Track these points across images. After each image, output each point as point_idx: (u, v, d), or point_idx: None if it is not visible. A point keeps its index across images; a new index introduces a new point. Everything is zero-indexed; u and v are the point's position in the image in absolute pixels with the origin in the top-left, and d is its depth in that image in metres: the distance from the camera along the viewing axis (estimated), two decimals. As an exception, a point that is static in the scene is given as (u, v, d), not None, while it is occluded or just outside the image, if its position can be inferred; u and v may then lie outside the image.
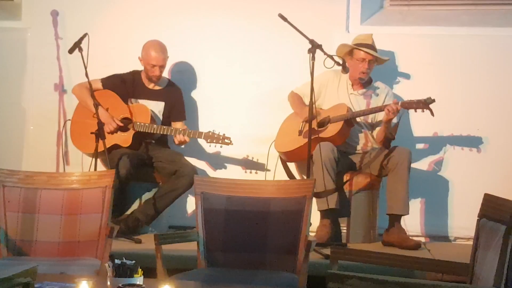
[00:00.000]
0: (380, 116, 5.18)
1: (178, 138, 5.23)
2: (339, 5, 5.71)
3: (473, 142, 5.53)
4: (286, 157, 5.40)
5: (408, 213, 5.13)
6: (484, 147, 5.53)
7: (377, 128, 5.25)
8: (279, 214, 3.80)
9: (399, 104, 4.98)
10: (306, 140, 4.87)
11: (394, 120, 5.11)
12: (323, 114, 5.21)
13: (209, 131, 5.20)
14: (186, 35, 5.78)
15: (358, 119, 5.24)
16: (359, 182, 5.20)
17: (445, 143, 5.58)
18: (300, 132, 5.23)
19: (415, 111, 5.02)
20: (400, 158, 5.05)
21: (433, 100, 4.91)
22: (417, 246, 4.98)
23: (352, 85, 5.32)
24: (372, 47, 5.24)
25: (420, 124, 5.54)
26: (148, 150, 5.42)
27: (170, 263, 3.77)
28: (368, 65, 5.22)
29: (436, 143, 5.59)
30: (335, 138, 5.12)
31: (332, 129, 5.15)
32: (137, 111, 5.41)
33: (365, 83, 5.32)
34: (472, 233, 3.26)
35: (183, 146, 5.45)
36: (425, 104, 4.92)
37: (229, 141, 5.19)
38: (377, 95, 5.31)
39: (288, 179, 5.39)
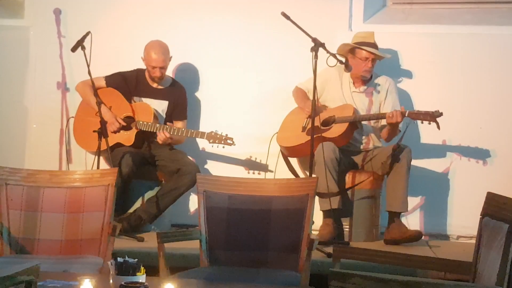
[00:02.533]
0: (384, 120, 5.18)
1: (160, 136, 5.22)
2: (342, 3, 5.70)
3: (479, 152, 5.53)
4: (287, 152, 5.39)
5: (406, 210, 5.15)
6: (485, 144, 5.52)
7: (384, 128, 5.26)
8: (281, 212, 3.80)
9: (406, 113, 4.97)
10: (309, 137, 4.87)
11: (400, 126, 5.10)
12: (328, 113, 5.20)
13: (212, 131, 5.20)
14: (189, 34, 5.78)
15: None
16: (361, 181, 5.20)
17: (451, 151, 5.57)
18: (304, 129, 5.23)
19: (422, 123, 5.02)
20: (400, 156, 5.05)
21: (441, 114, 4.91)
22: (418, 234, 5.00)
23: (354, 83, 5.32)
24: (374, 45, 5.24)
25: (424, 128, 5.51)
26: (150, 148, 5.42)
27: (173, 261, 3.78)
28: (372, 64, 5.22)
29: (442, 152, 5.58)
30: (338, 139, 5.12)
31: (336, 130, 5.14)
32: (139, 110, 5.40)
33: (366, 80, 5.31)
34: (474, 232, 3.26)
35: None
36: (432, 116, 4.92)
37: (231, 142, 5.18)
38: (378, 92, 5.31)
39: (290, 173, 5.40)
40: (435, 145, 5.59)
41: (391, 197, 5.10)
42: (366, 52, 5.20)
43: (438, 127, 4.93)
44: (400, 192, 5.07)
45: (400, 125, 5.10)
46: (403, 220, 5.16)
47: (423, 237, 5.33)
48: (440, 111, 4.92)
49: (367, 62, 5.21)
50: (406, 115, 4.98)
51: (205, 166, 5.74)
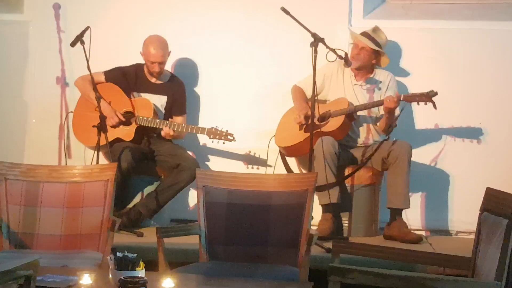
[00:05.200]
0: (382, 109, 5.18)
1: (165, 131, 5.23)
2: (342, -2, 5.71)
3: (473, 133, 5.53)
4: (286, 152, 5.39)
5: (408, 207, 5.13)
6: (485, 139, 5.52)
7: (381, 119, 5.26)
8: (280, 207, 3.80)
9: (402, 97, 4.98)
10: (307, 134, 4.87)
11: (397, 111, 5.11)
12: (323, 108, 5.20)
13: (212, 127, 5.19)
14: (188, 29, 5.77)
15: (360, 112, 5.24)
16: (361, 176, 5.20)
17: (445, 135, 5.57)
18: (301, 127, 5.23)
19: (418, 104, 5.02)
20: (400, 152, 5.05)
21: (436, 93, 4.92)
22: (418, 239, 4.98)
23: (355, 76, 5.33)
24: (368, 35, 5.26)
25: (421, 116, 5.53)
26: (150, 143, 5.42)
27: (172, 256, 3.78)
28: (359, 51, 5.23)
29: (436, 135, 5.59)
30: (336, 132, 5.12)
31: (333, 124, 5.14)
32: (139, 105, 5.40)
33: (367, 72, 5.30)
34: (474, 227, 3.27)
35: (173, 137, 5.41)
36: (427, 97, 4.93)
37: (232, 138, 5.18)
38: (379, 89, 5.31)
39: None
40: (428, 130, 5.59)
41: (392, 193, 5.09)
42: (357, 37, 5.26)
43: (435, 106, 4.93)
44: (401, 189, 5.06)
45: (396, 111, 5.10)
46: (403, 214, 5.15)
47: (424, 233, 5.35)
48: (435, 91, 4.92)
49: (355, 49, 5.24)
50: (401, 98, 4.99)
51: (205, 161, 5.74)
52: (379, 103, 5.11)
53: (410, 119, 5.58)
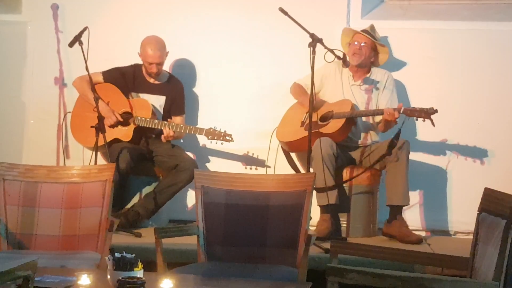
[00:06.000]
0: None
1: (166, 132, 5.23)
2: (340, -1, 5.72)
3: (473, 135, 5.52)
4: (286, 147, 5.40)
5: (408, 204, 5.12)
6: (484, 140, 5.52)
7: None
8: (279, 208, 3.80)
9: (402, 110, 4.97)
10: (307, 133, 4.86)
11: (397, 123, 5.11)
12: (327, 108, 5.20)
13: (210, 128, 5.19)
14: (186, 30, 5.77)
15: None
16: (359, 176, 5.19)
17: (448, 149, 5.57)
18: (303, 124, 5.23)
19: (416, 120, 5.02)
20: (399, 149, 5.05)
21: (436, 111, 4.89)
22: (419, 241, 4.97)
23: (353, 76, 5.33)
24: (368, 32, 5.27)
25: (421, 126, 5.50)
26: (148, 144, 5.42)
27: (170, 257, 3.79)
28: (361, 47, 5.24)
29: (439, 150, 5.58)
30: (335, 135, 5.12)
31: (333, 126, 5.14)
32: (137, 105, 5.40)
33: (365, 71, 5.31)
34: (472, 228, 3.27)
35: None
36: (427, 113, 4.91)
37: (230, 138, 5.18)
38: (377, 88, 5.31)
39: (290, 168, 5.40)
40: (432, 143, 5.58)
41: (391, 191, 5.08)
42: (357, 35, 5.26)
43: (433, 124, 4.93)
44: (400, 185, 5.05)
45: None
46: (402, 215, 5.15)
47: (424, 233, 5.34)
48: (435, 108, 4.91)
49: (356, 45, 5.24)
50: (401, 111, 4.99)
51: (205, 163, 5.74)
52: (379, 112, 5.10)
53: (413, 130, 5.56)
